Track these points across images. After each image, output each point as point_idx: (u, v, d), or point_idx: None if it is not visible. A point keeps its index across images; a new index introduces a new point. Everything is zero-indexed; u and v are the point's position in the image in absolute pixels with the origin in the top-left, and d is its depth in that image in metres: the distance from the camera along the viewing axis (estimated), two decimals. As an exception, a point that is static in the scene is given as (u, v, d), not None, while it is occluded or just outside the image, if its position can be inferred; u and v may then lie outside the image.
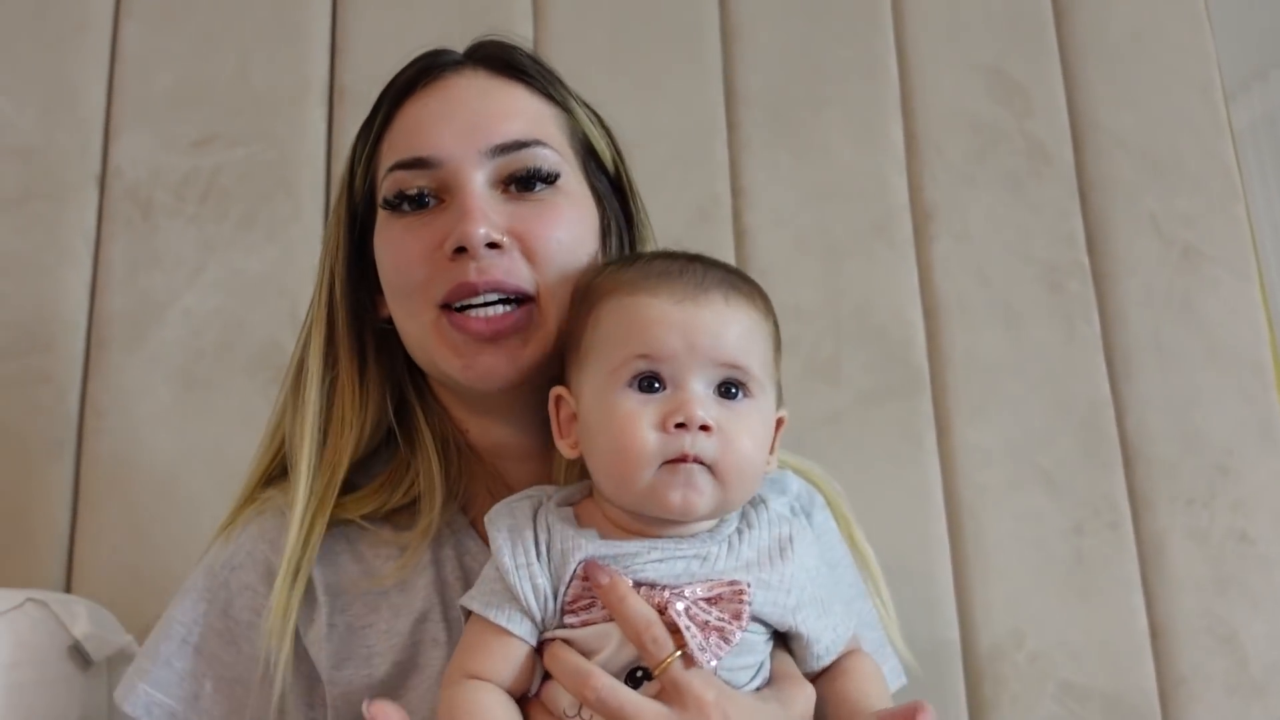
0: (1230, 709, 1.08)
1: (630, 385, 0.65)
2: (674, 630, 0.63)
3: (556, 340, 0.74)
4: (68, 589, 1.09)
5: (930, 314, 1.19)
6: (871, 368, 1.17)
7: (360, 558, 0.77)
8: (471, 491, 0.79)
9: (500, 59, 0.80)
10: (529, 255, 0.73)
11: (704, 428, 0.64)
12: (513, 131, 0.75)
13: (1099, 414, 1.16)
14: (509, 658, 0.65)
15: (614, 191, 0.83)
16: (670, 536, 0.67)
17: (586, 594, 0.65)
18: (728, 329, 0.66)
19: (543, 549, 0.66)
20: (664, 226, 1.20)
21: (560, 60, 1.25)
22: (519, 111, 0.77)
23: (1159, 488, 1.14)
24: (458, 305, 0.73)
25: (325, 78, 1.25)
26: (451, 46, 0.83)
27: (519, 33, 1.26)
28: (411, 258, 0.74)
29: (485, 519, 0.69)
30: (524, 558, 0.65)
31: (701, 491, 0.64)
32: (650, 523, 0.67)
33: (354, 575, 0.76)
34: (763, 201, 1.22)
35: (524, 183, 0.75)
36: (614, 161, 0.83)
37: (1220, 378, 1.17)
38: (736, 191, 1.23)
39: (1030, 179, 1.23)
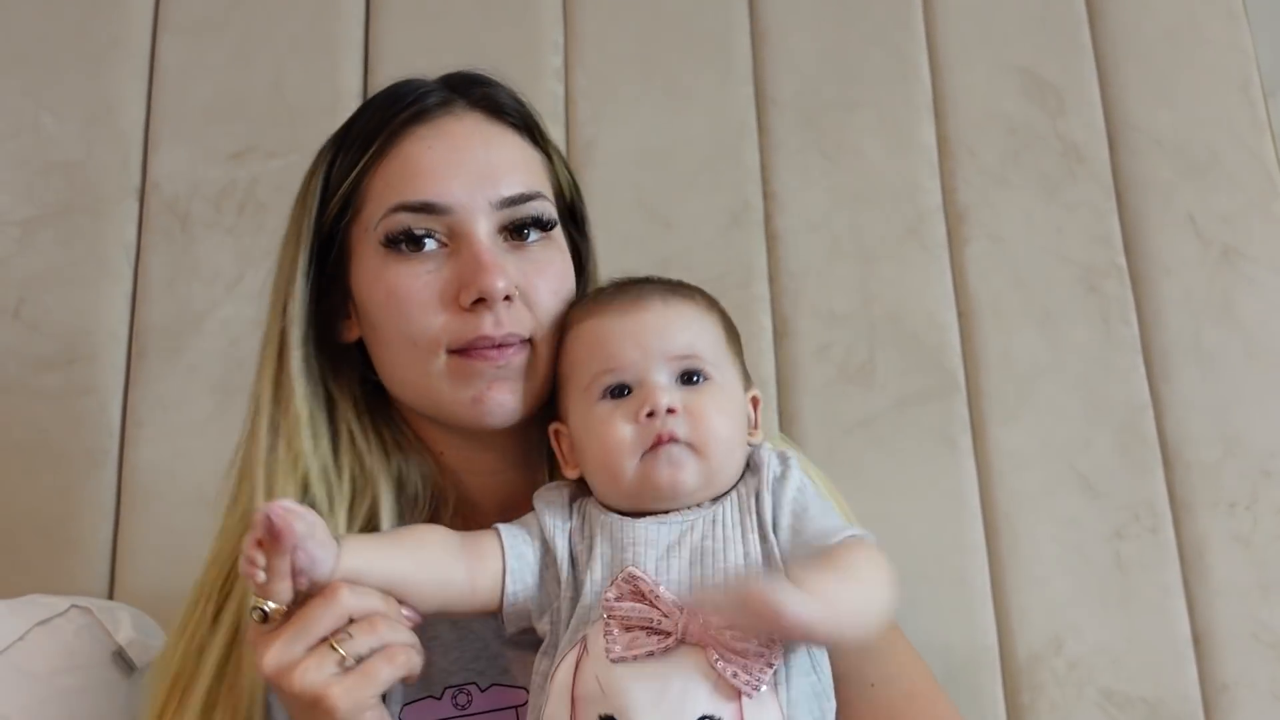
0: (1276, 716, 1.06)
1: (603, 398, 0.73)
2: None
3: (547, 382, 0.78)
4: (110, 596, 1.10)
5: (965, 317, 1.18)
6: (906, 371, 1.16)
7: None
8: (440, 505, 0.82)
9: (494, 102, 0.82)
10: (530, 305, 0.77)
11: (670, 410, 0.70)
12: (518, 184, 0.79)
13: (1138, 417, 1.15)
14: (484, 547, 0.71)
15: (570, 217, 0.86)
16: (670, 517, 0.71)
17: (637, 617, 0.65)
18: (670, 325, 0.73)
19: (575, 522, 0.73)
20: (695, 232, 1.21)
21: (590, 67, 1.26)
22: (521, 163, 0.81)
23: (1200, 492, 1.12)
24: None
25: (359, 89, 1.26)
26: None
27: (549, 40, 1.26)
28: (421, 303, 0.76)
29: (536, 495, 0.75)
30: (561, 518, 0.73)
31: (684, 466, 0.70)
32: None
33: None
34: (794, 206, 1.22)
35: (519, 231, 0.79)
36: (570, 190, 0.86)
37: (1262, 379, 1.15)
38: (768, 196, 1.22)
39: (1065, 179, 1.22)
